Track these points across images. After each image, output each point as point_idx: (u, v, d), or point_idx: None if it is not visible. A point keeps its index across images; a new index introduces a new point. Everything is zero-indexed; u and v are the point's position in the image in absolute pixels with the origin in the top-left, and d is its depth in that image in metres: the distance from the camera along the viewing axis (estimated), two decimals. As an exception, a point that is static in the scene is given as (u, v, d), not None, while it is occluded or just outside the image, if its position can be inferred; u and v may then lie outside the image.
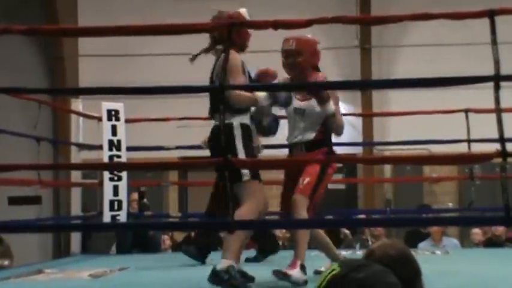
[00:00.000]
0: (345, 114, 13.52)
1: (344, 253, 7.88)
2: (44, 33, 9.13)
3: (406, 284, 2.39)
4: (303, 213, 5.26)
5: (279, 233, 10.36)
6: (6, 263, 9.93)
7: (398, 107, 12.19)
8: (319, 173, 5.40)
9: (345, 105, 13.99)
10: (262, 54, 5.65)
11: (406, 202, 12.59)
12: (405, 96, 12.28)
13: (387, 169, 13.79)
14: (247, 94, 5.16)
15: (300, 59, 5.42)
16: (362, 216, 10.44)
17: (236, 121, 5.09)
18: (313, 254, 6.16)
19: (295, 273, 5.01)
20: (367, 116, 13.44)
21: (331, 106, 5.32)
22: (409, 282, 2.43)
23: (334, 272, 2.33)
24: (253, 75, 5.39)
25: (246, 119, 5.24)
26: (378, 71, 13.80)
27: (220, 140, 4.75)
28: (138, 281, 5.53)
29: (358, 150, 13.37)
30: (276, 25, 4.15)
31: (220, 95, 4.24)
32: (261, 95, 5.25)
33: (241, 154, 5.05)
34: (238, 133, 5.09)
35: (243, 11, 5.54)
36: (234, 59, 5.06)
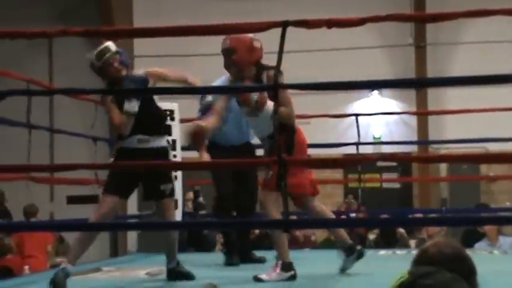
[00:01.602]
0: (399, 113, 13.56)
1: (399, 252, 7.85)
2: (100, 35, 9.22)
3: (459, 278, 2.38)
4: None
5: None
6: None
7: (454, 105, 12.09)
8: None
9: (399, 104, 13.94)
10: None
11: (462, 201, 12.46)
12: (461, 94, 12.16)
13: (443, 168, 13.67)
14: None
15: (234, 57, 5.44)
16: (418, 215, 10.34)
17: None
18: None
19: (272, 276, 5.17)
20: (422, 114, 13.34)
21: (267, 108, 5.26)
22: (465, 280, 2.41)
23: (402, 279, 2.34)
24: None
25: None
26: (432, 69, 13.68)
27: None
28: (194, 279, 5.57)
29: (413, 148, 13.28)
30: (330, 24, 4.15)
31: (274, 94, 4.24)
32: None
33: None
34: None
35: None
36: None
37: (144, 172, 5.30)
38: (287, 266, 5.24)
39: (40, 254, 9.55)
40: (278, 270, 5.23)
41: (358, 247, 5.58)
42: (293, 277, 5.23)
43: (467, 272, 2.45)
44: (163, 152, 5.44)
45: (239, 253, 6.70)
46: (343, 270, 5.57)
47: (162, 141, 5.51)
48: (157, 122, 5.56)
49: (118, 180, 5.30)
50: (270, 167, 5.16)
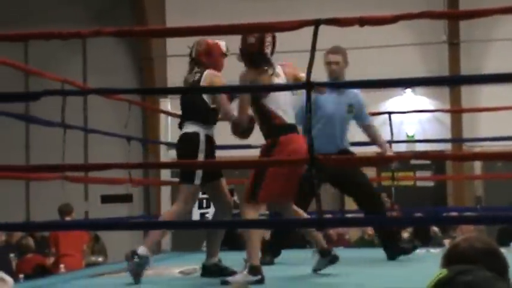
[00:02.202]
0: (433, 111, 13.47)
1: (433, 251, 7.81)
2: (133, 35, 9.29)
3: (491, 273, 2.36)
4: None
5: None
6: (100, 259, 10.18)
7: (488, 103, 11.99)
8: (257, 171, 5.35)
9: (432, 101, 13.86)
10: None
11: (497, 199, 12.36)
12: (495, 91, 12.07)
13: (477, 166, 13.56)
14: None
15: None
16: (453, 213, 10.28)
17: None
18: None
19: (236, 278, 5.18)
20: (456, 112, 13.26)
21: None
22: (498, 275, 2.39)
23: (441, 275, 2.33)
24: None
25: None
26: (467, 66, 13.58)
27: None
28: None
29: (446, 147, 13.21)
30: (362, 22, 4.13)
31: (307, 92, 4.24)
32: None
33: None
34: None
35: (222, 44, 5.74)
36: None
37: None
38: (254, 269, 5.17)
39: (76, 253, 9.63)
40: (245, 272, 5.17)
41: (333, 252, 5.53)
42: (260, 281, 5.12)
43: (499, 267, 2.43)
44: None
45: (273, 253, 6.70)
46: (315, 270, 5.57)
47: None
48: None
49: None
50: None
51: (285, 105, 5.41)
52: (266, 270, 5.29)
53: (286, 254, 6.84)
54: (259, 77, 5.36)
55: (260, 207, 5.48)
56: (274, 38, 5.40)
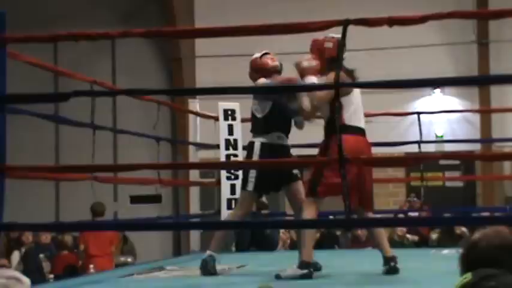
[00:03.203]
0: (462, 111, 13.40)
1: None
2: (161, 35, 9.32)
3: (505, 266, 2.34)
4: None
5: (282, 234, 10.19)
6: (130, 259, 10.23)
7: (518, 103, 11.92)
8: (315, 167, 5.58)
9: (462, 102, 13.78)
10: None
11: (527, 200, 12.28)
12: (525, 91, 11.98)
13: (507, 166, 13.46)
14: None
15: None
16: (485, 214, 10.20)
17: None
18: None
19: (288, 272, 5.42)
20: (485, 112, 13.17)
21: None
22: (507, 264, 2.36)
23: (465, 280, 2.32)
24: None
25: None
26: (496, 66, 13.48)
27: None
28: (256, 278, 5.60)
29: (476, 147, 13.13)
30: (391, 22, 4.13)
31: (335, 92, 4.24)
32: None
33: None
34: None
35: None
36: None
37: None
38: (304, 264, 5.40)
39: (105, 254, 9.68)
40: (294, 267, 5.42)
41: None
42: (307, 275, 5.36)
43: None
44: (289, 150, 5.98)
45: None
46: (277, 276, 5.47)
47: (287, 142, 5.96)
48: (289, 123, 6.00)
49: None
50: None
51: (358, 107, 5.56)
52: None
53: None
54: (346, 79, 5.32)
55: (321, 202, 5.54)
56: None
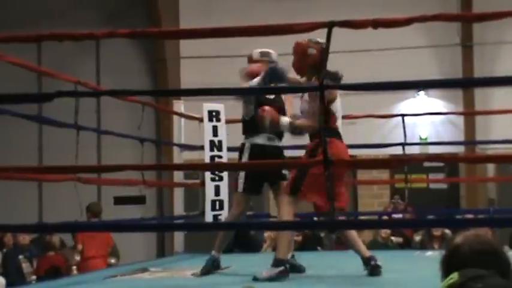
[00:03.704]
0: (446, 113, 13.45)
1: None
2: (146, 36, 9.29)
3: (486, 268, 2.34)
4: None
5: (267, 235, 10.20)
6: (113, 261, 10.18)
7: (501, 105, 11.95)
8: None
9: (446, 104, 13.83)
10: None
11: (510, 202, 12.32)
12: (509, 94, 12.02)
13: (490, 168, 13.52)
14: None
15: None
16: (469, 216, 10.23)
17: None
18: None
19: (264, 274, 5.46)
20: (469, 114, 13.22)
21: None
22: (502, 274, 2.36)
23: (451, 281, 2.31)
24: None
25: None
26: (480, 69, 13.54)
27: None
28: (240, 279, 5.60)
29: (460, 149, 13.17)
30: (376, 24, 4.13)
31: (320, 94, 4.25)
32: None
33: None
34: None
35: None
36: None
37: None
38: (279, 262, 5.48)
39: (101, 256, 9.66)
40: (270, 266, 5.49)
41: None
42: (283, 272, 5.45)
43: (503, 266, 2.39)
44: (281, 151, 6.09)
45: None
46: (254, 278, 5.51)
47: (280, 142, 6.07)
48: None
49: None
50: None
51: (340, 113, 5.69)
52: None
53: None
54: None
55: (298, 203, 5.64)
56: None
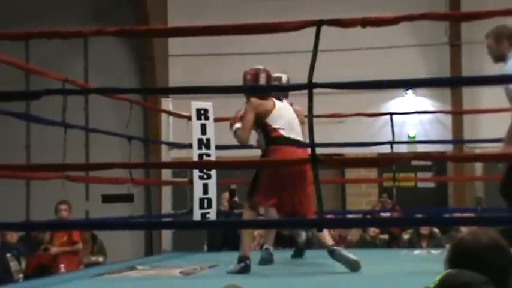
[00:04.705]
0: (434, 112, 13.48)
1: (434, 252, 7.82)
2: (134, 34, 9.27)
3: (499, 272, 2.35)
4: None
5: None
6: (100, 259, 10.15)
7: (489, 104, 11.98)
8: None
9: (434, 103, 13.86)
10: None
11: (497, 201, 12.33)
12: (496, 93, 12.02)
13: (478, 167, 13.56)
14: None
15: None
16: (457, 214, 10.26)
17: None
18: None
19: (230, 268, 5.94)
20: (457, 113, 13.25)
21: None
22: (503, 271, 2.37)
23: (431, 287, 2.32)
24: None
25: None
26: (468, 68, 13.57)
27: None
28: (228, 278, 5.59)
29: (447, 148, 13.20)
30: (364, 23, 4.13)
31: (308, 93, 4.24)
32: None
33: None
34: None
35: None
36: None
37: None
38: (241, 258, 5.91)
39: (69, 254, 9.57)
40: (235, 262, 5.94)
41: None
42: (244, 268, 5.86)
43: (506, 261, 2.39)
44: None
45: None
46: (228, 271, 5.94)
47: None
48: None
49: None
50: None
51: (288, 124, 6.04)
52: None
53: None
54: (264, 103, 6.00)
55: (257, 208, 6.12)
56: (268, 74, 6.06)
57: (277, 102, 6.10)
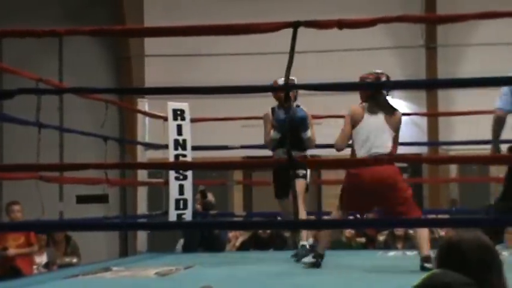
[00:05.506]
0: (410, 114, 13.56)
1: (409, 253, 7.84)
2: (110, 34, 9.24)
3: (483, 267, 2.37)
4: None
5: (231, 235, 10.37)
6: (74, 260, 10.08)
7: (464, 107, 12.05)
8: None
9: (409, 105, 13.92)
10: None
11: (472, 202, 12.42)
12: (471, 95, 12.12)
13: (453, 169, 13.63)
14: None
15: None
16: (431, 216, 10.30)
17: None
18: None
19: (306, 259, 6.23)
20: (433, 115, 13.32)
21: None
22: (486, 265, 2.39)
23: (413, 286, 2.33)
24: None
25: None
26: (443, 71, 13.65)
27: None
28: (204, 279, 5.57)
29: (423, 150, 13.25)
30: (341, 24, 4.14)
31: (285, 94, 4.25)
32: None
33: None
34: None
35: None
36: None
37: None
38: (317, 255, 6.13)
39: (25, 255, 9.45)
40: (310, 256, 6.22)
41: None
42: (315, 264, 6.06)
43: (489, 257, 2.41)
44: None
45: None
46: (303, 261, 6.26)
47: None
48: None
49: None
50: None
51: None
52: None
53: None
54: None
55: (344, 213, 6.22)
56: (388, 78, 6.42)
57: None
